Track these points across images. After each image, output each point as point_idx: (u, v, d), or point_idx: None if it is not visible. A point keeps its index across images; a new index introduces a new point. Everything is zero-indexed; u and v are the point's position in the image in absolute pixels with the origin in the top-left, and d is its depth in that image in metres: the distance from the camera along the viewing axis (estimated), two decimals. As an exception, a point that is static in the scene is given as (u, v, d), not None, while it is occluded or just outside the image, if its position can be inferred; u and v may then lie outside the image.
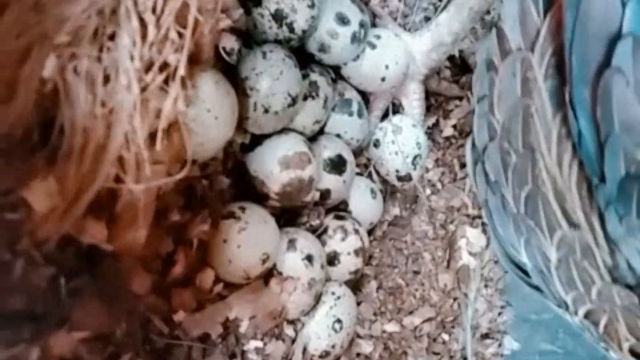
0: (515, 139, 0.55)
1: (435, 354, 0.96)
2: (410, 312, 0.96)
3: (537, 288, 0.59)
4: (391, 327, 0.94)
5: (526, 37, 0.55)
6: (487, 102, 0.58)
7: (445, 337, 0.97)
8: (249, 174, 0.80)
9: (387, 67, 0.87)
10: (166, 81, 0.57)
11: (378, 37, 0.88)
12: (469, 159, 0.64)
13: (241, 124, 0.76)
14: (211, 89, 0.64)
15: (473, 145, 0.62)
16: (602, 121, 0.48)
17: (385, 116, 0.93)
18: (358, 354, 0.90)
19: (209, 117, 0.65)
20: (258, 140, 0.80)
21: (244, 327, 0.77)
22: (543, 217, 0.54)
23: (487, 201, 0.61)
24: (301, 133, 0.83)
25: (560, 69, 0.53)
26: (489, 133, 0.58)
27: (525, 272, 0.60)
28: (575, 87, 0.50)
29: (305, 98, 0.81)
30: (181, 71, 0.57)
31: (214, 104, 0.65)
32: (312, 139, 0.85)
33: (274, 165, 0.79)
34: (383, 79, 0.88)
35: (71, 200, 0.52)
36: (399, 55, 0.88)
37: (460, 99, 1.01)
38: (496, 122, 0.57)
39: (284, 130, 0.81)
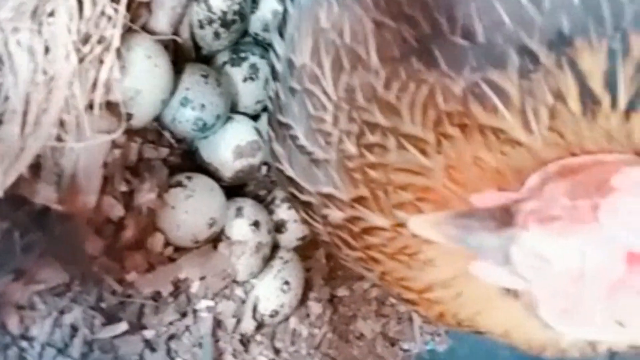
0: None
1: (384, 316, 1.02)
2: (360, 278, 1.02)
3: None
4: (341, 292, 1.00)
5: None
6: None
7: (393, 300, 1.03)
8: (202, 159, 0.87)
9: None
10: (103, 52, 0.64)
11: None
12: None
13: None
14: (144, 61, 0.71)
15: None
16: None
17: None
18: (308, 315, 0.96)
19: (142, 85, 0.71)
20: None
21: (194, 287, 0.84)
22: None
23: None
24: (244, 113, 0.89)
25: None
26: None
27: None
28: None
29: (245, 80, 0.88)
30: (116, 43, 0.64)
31: (147, 74, 0.71)
32: (257, 117, 0.92)
33: (227, 154, 0.87)
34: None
35: (15, 157, 0.59)
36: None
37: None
38: None
39: (229, 119, 0.87)
